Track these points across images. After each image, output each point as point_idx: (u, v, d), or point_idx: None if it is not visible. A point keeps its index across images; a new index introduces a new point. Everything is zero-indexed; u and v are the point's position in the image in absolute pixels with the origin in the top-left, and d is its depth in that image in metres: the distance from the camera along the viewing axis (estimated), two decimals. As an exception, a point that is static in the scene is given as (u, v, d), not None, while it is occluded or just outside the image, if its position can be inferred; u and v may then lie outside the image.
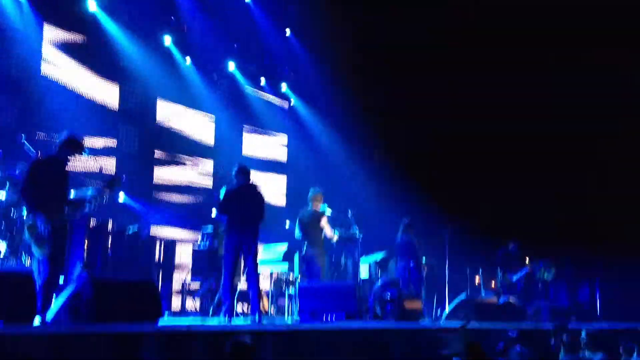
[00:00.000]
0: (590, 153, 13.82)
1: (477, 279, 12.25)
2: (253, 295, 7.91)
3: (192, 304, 10.20)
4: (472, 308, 9.92)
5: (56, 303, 6.52)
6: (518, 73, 13.48)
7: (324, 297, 8.59)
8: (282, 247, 9.98)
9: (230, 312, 7.81)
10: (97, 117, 11.10)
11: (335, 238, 9.59)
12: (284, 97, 15.48)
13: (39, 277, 6.22)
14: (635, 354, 7.04)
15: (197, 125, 13.47)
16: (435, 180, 14.13)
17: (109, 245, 8.99)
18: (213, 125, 13.79)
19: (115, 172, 10.75)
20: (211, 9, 13.10)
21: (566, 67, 13.40)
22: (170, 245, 10.91)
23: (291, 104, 15.63)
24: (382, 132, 15.05)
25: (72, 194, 6.88)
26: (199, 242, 10.41)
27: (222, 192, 8.15)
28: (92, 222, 8.99)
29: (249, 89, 14.41)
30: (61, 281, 6.84)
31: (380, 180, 14.41)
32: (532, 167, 13.96)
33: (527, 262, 11.60)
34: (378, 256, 10.63)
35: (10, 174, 8.05)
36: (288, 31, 15.07)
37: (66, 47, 10.78)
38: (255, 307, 7.83)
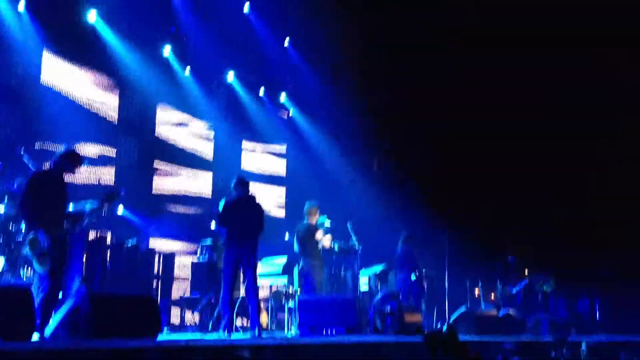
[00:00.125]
0: (590, 157, 13.79)
1: (477, 291, 12.24)
2: (252, 309, 7.87)
3: (192, 317, 10.15)
4: (472, 321, 9.89)
5: (54, 318, 6.48)
6: (517, 74, 13.47)
7: (323, 310, 8.55)
8: (282, 260, 9.95)
9: (230, 327, 7.78)
10: (96, 127, 11.12)
11: (328, 244, 9.54)
12: (283, 107, 15.47)
13: (39, 293, 6.18)
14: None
15: (197, 135, 13.45)
16: (435, 190, 14.11)
17: (108, 259, 8.95)
18: (212, 136, 13.78)
19: (114, 184, 10.72)
20: (210, 19, 13.10)
21: (566, 67, 13.36)
22: (169, 258, 10.87)
23: (290, 114, 15.62)
24: (381, 143, 15.05)
25: (71, 207, 6.85)
26: (198, 255, 10.38)
27: (221, 204, 8.13)
28: (91, 236, 8.95)
29: (247, 99, 14.40)
30: (60, 296, 6.79)
31: (379, 191, 14.40)
32: (532, 172, 13.90)
33: (526, 274, 11.60)
34: (377, 269, 10.62)
35: (8, 187, 8.02)
36: (287, 41, 15.08)
37: (66, 57, 10.78)
38: (254, 321, 7.79)
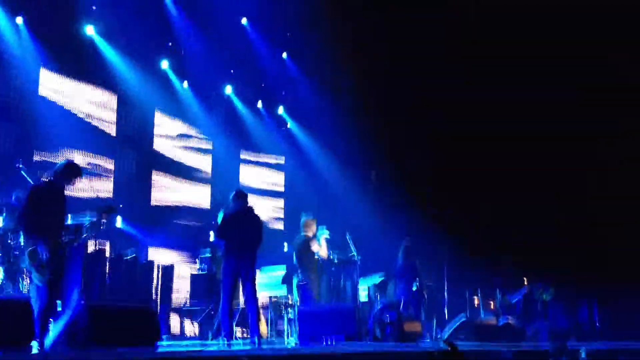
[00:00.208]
0: (590, 157, 13.80)
1: (476, 300, 12.23)
2: (252, 319, 7.88)
3: (191, 328, 10.14)
4: (472, 329, 9.89)
5: (53, 330, 6.49)
6: (517, 75, 13.50)
7: (323, 320, 8.56)
8: (280, 272, 9.95)
9: (230, 337, 7.78)
10: (94, 140, 11.16)
11: (325, 254, 9.53)
12: (281, 119, 15.53)
13: (37, 303, 6.20)
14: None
15: (195, 148, 13.49)
16: (433, 198, 14.11)
17: (107, 271, 8.95)
18: (211, 148, 13.82)
19: (113, 197, 10.75)
20: (208, 32, 13.19)
21: (565, 68, 13.38)
22: (168, 270, 10.87)
23: (288, 127, 15.67)
24: (378, 154, 15.08)
25: (69, 219, 6.88)
26: (197, 267, 10.39)
27: (220, 216, 8.15)
28: (90, 248, 8.96)
29: (245, 111, 14.46)
30: (59, 307, 6.81)
31: (377, 201, 14.42)
32: (532, 176, 13.88)
33: (525, 282, 11.60)
34: (376, 279, 10.61)
35: (6, 200, 8.04)
36: (285, 54, 15.17)
37: (64, 71, 10.83)
38: (254, 331, 7.79)
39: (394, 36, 14.12)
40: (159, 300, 10.04)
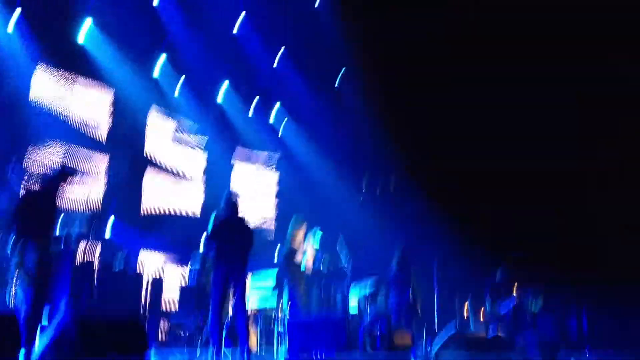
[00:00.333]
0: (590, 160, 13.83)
1: (466, 307, 12.23)
2: (241, 331, 7.83)
3: (180, 341, 10.10)
4: (462, 342, 9.87)
5: (41, 342, 6.44)
6: (517, 76, 13.51)
7: (313, 332, 8.53)
8: (270, 282, 9.89)
9: (219, 350, 7.73)
10: (86, 143, 11.05)
11: (310, 264, 9.43)
12: (275, 119, 15.48)
13: (22, 310, 6.16)
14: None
15: (188, 147, 13.44)
16: (430, 203, 14.11)
17: (95, 280, 8.90)
18: (204, 148, 13.77)
19: (104, 200, 10.69)
20: (202, 33, 13.12)
21: (566, 67, 13.41)
22: (157, 280, 10.82)
23: (282, 126, 15.63)
24: (373, 155, 15.08)
25: (58, 227, 6.83)
26: (187, 272, 10.35)
27: (212, 219, 8.10)
28: (79, 257, 8.89)
29: (239, 113, 14.41)
30: (46, 317, 6.77)
31: (371, 204, 14.42)
32: (528, 189, 13.93)
33: (514, 290, 11.55)
34: (366, 290, 10.55)
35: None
36: (280, 53, 15.11)
37: (57, 73, 10.74)
38: (243, 344, 7.75)
39: (394, 36, 14.11)
40: (147, 311, 10.00)
